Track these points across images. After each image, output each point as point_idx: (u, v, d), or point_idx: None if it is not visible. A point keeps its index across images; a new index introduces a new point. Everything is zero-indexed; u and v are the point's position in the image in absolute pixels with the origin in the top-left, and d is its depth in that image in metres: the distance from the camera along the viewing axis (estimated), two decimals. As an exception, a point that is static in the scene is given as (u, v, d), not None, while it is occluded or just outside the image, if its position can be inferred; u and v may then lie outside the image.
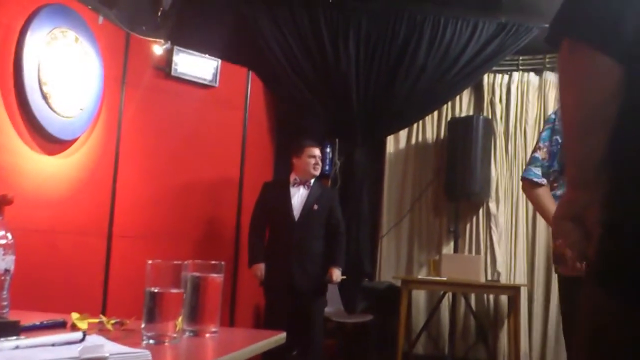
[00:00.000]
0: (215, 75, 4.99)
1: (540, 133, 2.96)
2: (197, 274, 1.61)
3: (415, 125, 6.07)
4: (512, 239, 5.74)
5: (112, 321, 1.63)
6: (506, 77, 5.93)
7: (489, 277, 5.59)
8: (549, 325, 5.53)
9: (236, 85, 5.28)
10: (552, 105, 5.74)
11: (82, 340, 1.33)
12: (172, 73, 4.70)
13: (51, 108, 3.58)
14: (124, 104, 4.33)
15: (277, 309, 4.55)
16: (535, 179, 2.83)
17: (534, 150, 2.88)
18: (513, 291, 5.16)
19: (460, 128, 5.63)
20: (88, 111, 3.92)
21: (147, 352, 1.25)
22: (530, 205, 5.70)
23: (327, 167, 5.81)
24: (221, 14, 5.45)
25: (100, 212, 4.13)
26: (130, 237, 4.29)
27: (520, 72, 5.89)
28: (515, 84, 5.88)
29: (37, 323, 1.53)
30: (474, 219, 5.85)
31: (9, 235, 1.60)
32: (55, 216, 3.71)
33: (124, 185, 4.29)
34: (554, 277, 5.53)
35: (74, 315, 1.62)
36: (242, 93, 5.34)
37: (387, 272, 5.90)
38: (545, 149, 2.83)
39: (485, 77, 5.91)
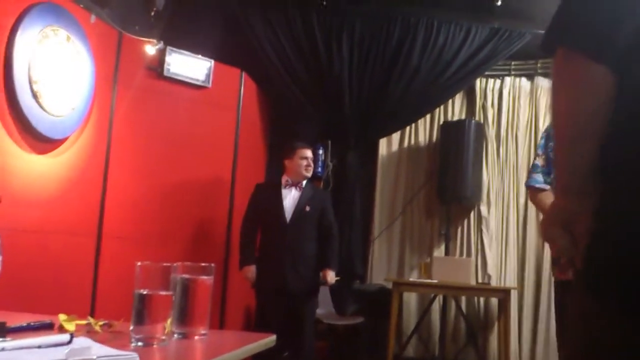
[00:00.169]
0: (208, 76, 4.98)
1: (539, 140, 3.03)
2: (186, 276, 1.59)
3: (407, 128, 6.09)
4: (502, 242, 5.78)
5: (100, 323, 1.61)
6: (498, 81, 5.97)
7: (480, 280, 5.61)
8: (538, 327, 5.57)
9: (229, 86, 5.27)
10: (543, 110, 5.79)
11: (69, 342, 1.31)
12: (165, 73, 4.68)
13: (41, 107, 3.55)
14: (115, 103, 4.32)
15: (268, 311, 4.54)
16: (537, 185, 2.92)
17: (534, 158, 2.98)
18: (503, 294, 5.19)
19: (452, 132, 5.65)
20: (79, 110, 3.90)
21: (135, 355, 1.24)
22: (521, 209, 5.75)
23: (319, 169, 5.81)
24: (214, 15, 5.44)
25: (90, 212, 4.11)
26: (120, 238, 4.27)
27: (512, 77, 5.94)
28: (507, 89, 5.92)
29: (24, 324, 1.51)
30: (465, 222, 5.88)
31: (-3, 235, 1.58)
32: (45, 216, 3.68)
33: (114, 186, 4.27)
34: (544, 280, 5.58)
35: (62, 317, 1.61)
36: (235, 94, 5.33)
37: (379, 274, 5.90)
38: (543, 156, 2.92)
39: (478, 81, 5.95)
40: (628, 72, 1.07)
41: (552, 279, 5.42)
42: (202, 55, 4.96)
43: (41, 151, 3.65)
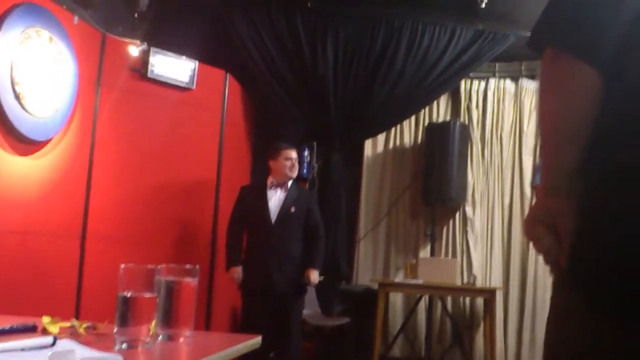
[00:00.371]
0: (192, 77, 4.96)
1: None
2: (171, 278, 1.59)
3: (393, 130, 6.10)
4: (488, 242, 5.80)
5: (84, 325, 1.60)
6: (483, 83, 5.99)
7: (465, 281, 5.62)
8: (524, 327, 5.59)
9: (213, 87, 5.26)
10: (527, 112, 5.83)
11: (53, 344, 1.30)
12: (149, 74, 4.66)
13: (24, 108, 3.53)
14: (99, 105, 4.29)
15: (254, 311, 4.53)
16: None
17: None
18: (489, 294, 5.21)
19: (437, 133, 5.67)
20: (62, 112, 3.87)
21: (119, 357, 1.23)
22: (506, 210, 5.78)
23: (305, 170, 5.80)
24: (198, 16, 5.42)
25: (74, 213, 4.09)
26: (105, 239, 4.25)
27: (497, 79, 5.96)
28: (491, 91, 5.95)
29: (7, 327, 1.50)
30: (451, 222, 5.90)
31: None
32: (28, 217, 3.66)
33: (98, 187, 4.25)
34: (529, 280, 5.61)
35: (45, 319, 1.59)
36: (220, 95, 5.32)
37: (364, 275, 5.91)
38: None
39: (462, 83, 5.96)
40: (619, 74, 1.07)
41: (537, 279, 5.51)
42: (186, 56, 4.94)
43: (24, 153, 3.62)
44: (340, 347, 5.56)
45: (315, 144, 5.99)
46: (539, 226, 1.16)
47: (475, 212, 5.83)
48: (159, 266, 1.54)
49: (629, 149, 1.05)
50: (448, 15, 5.58)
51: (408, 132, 6.13)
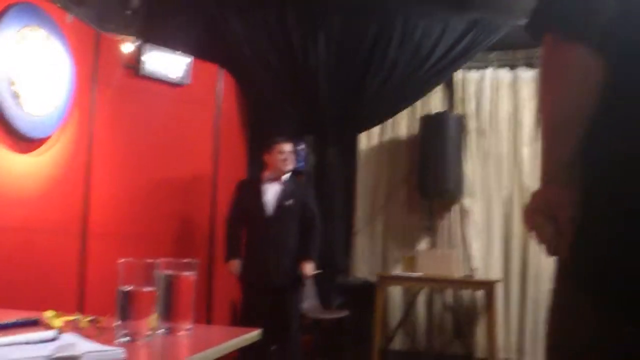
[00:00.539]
0: (186, 73, 4.96)
1: None
2: (169, 272, 1.61)
3: (388, 122, 6.04)
4: (487, 234, 5.76)
5: (87, 319, 1.62)
6: (478, 73, 5.91)
7: (465, 273, 5.59)
8: (525, 319, 5.54)
9: (208, 83, 5.27)
10: (524, 101, 5.75)
11: (56, 338, 1.32)
12: (142, 71, 4.66)
13: (21, 107, 3.54)
14: (95, 102, 4.30)
15: (253, 305, 4.55)
16: None
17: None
18: (489, 286, 5.17)
19: (432, 125, 5.61)
20: (59, 109, 3.88)
21: (121, 350, 1.25)
22: (505, 201, 5.73)
23: (301, 164, 5.80)
24: (191, 11, 5.42)
25: (74, 210, 4.10)
26: (105, 235, 4.27)
27: (492, 69, 5.89)
28: (487, 81, 5.87)
29: (10, 321, 1.52)
30: (449, 214, 5.84)
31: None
32: (28, 215, 3.68)
33: (97, 184, 4.26)
34: (530, 272, 5.55)
35: (48, 313, 1.61)
36: (214, 91, 5.33)
37: (362, 268, 5.90)
38: None
39: (458, 73, 5.88)
40: (621, 62, 1.06)
41: (538, 271, 5.46)
42: (180, 51, 4.94)
43: (23, 150, 3.64)
44: (340, 340, 5.57)
45: (311, 137, 5.98)
46: (539, 216, 1.16)
47: (474, 204, 5.78)
48: (158, 260, 1.56)
49: (633, 138, 1.05)
50: (441, 4, 5.53)
51: (403, 124, 6.07)
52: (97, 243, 4.20)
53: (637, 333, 1.00)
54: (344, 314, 5.46)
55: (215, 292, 5.16)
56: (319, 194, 5.41)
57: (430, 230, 5.80)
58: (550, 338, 1.19)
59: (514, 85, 5.81)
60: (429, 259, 5.29)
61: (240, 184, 4.79)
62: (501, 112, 5.80)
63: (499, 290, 5.42)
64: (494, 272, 5.63)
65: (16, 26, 3.52)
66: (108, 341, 1.37)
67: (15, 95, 3.49)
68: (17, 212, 3.58)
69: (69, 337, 1.33)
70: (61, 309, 1.72)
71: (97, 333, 1.51)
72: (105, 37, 4.41)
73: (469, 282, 5.37)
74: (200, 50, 5.18)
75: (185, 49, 4.99)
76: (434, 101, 6.03)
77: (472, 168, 5.81)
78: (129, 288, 1.46)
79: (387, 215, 6.00)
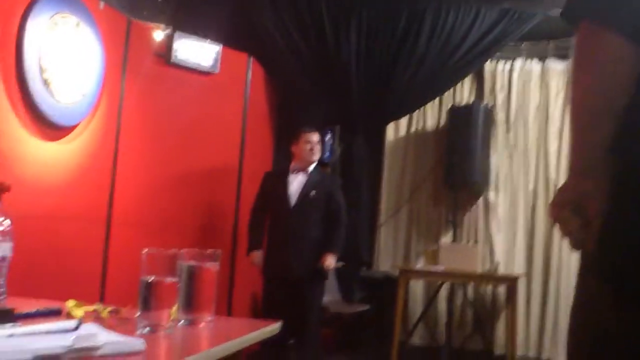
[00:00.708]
0: (216, 61, 4.97)
1: None
2: (192, 262, 1.62)
3: (415, 113, 6.04)
4: (511, 229, 5.72)
5: (108, 309, 1.64)
6: (508, 64, 5.86)
7: (487, 267, 5.56)
8: (546, 315, 5.51)
9: (236, 71, 5.27)
10: (554, 93, 5.69)
11: (77, 328, 1.34)
12: (172, 59, 4.68)
13: (52, 94, 3.58)
14: (124, 90, 4.32)
15: (274, 297, 4.55)
16: None
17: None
18: (511, 281, 5.14)
19: (460, 116, 5.59)
20: (89, 97, 3.91)
21: (141, 341, 1.26)
22: (530, 195, 5.70)
23: (327, 154, 5.79)
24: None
25: (100, 198, 4.14)
26: (130, 224, 4.30)
27: (522, 60, 5.83)
28: (517, 72, 5.81)
29: (33, 311, 1.54)
30: (473, 208, 5.83)
31: (7, 222, 1.60)
32: (55, 203, 3.71)
33: (123, 172, 4.29)
34: (553, 268, 5.53)
35: (70, 303, 1.63)
36: (243, 80, 5.34)
37: (385, 261, 5.90)
38: None
39: (487, 64, 5.84)
40: None
41: (561, 267, 5.42)
42: (210, 39, 4.95)
43: (52, 138, 3.67)
44: (360, 334, 5.57)
45: (337, 127, 5.97)
46: (566, 208, 1.14)
47: (499, 198, 5.75)
48: (181, 251, 1.57)
49: None
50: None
51: (431, 115, 6.06)
52: (122, 232, 4.23)
53: None
54: (365, 308, 5.45)
55: (237, 283, 5.19)
56: (345, 185, 5.41)
57: (454, 223, 5.77)
58: (572, 333, 1.18)
59: (544, 77, 5.75)
60: (452, 253, 5.26)
61: (266, 175, 4.80)
62: (530, 104, 5.75)
63: (521, 286, 5.38)
64: (517, 267, 5.60)
65: (48, 13, 3.55)
66: (129, 332, 1.38)
67: (46, 83, 3.53)
68: (44, 200, 3.61)
69: (89, 327, 1.35)
70: (84, 297, 1.74)
71: (118, 323, 1.53)
72: (136, 24, 4.43)
73: (491, 277, 5.34)
74: (230, 38, 5.18)
75: (216, 37, 5.00)
76: (462, 92, 5.99)
77: (498, 161, 5.77)
78: (151, 279, 1.47)
79: (411, 207, 5.99)
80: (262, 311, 4.72)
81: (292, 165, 4.67)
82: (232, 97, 5.25)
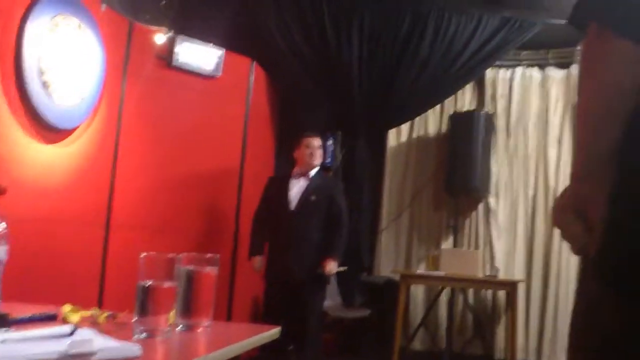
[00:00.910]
0: (218, 65, 4.96)
1: None
2: (191, 267, 1.60)
3: (417, 119, 6.07)
4: (511, 234, 5.73)
5: (105, 314, 1.61)
6: (508, 72, 5.91)
7: (488, 273, 5.57)
8: (546, 320, 5.54)
9: (239, 75, 5.26)
10: (553, 101, 5.74)
11: (72, 333, 1.32)
12: (173, 63, 4.67)
13: (51, 96, 3.55)
14: (125, 93, 4.31)
15: (274, 301, 4.54)
16: None
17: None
18: (511, 286, 5.15)
19: (461, 123, 5.63)
20: (88, 100, 3.89)
21: (138, 347, 1.24)
22: (530, 201, 5.72)
23: (329, 159, 5.77)
24: (224, 3, 5.42)
25: (99, 202, 4.11)
26: (129, 228, 4.28)
27: (523, 67, 5.88)
28: (517, 79, 5.87)
29: (27, 316, 1.52)
30: (474, 214, 5.86)
31: (2, 225, 1.58)
32: (54, 205, 3.69)
33: (123, 176, 4.27)
34: (552, 273, 5.56)
35: (66, 308, 1.61)
36: (245, 84, 5.32)
37: (386, 266, 5.90)
38: None
39: (488, 71, 5.90)
40: None
41: (560, 273, 5.44)
42: (213, 43, 4.94)
43: (50, 141, 3.65)
44: (361, 339, 5.56)
45: (339, 133, 5.97)
46: (568, 213, 1.13)
47: (499, 204, 5.78)
48: (179, 255, 1.55)
49: None
50: (474, 2, 5.51)
51: (432, 122, 6.09)
52: (121, 235, 4.21)
53: None
54: (365, 312, 5.44)
55: (238, 288, 5.16)
56: (347, 189, 5.40)
57: (455, 228, 5.77)
58: (573, 336, 1.17)
59: (544, 84, 5.82)
60: (452, 258, 5.27)
61: (270, 180, 4.80)
62: (530, 112, 5.80)
63: (521, 291, 5.39)
64: (517, 273, 5.63)
65: (49, 14, 3.53)
66: (125, 337, 1.36)
67: (45, 85, 3.50)
68: (42, 203, 3.59)
69: (85, 333, 1.33)
70: (82, 302, 1.72)
71: (114, 328, 1.50)
72: (138, 27, 4.42)
73: (491, 282, 5.34)
74: (232, 42, 5.18)
75: (218, 40, 4.99)
76: (463, 99, 6.02)
77: (498, 167, 5.79)
78: (149, 283, 1.45)
79: (412, 212, 6.00)
80: (263, 316, 4.70)
81: (294, 170, 4.67)
82: (234, 101, 5.24)
